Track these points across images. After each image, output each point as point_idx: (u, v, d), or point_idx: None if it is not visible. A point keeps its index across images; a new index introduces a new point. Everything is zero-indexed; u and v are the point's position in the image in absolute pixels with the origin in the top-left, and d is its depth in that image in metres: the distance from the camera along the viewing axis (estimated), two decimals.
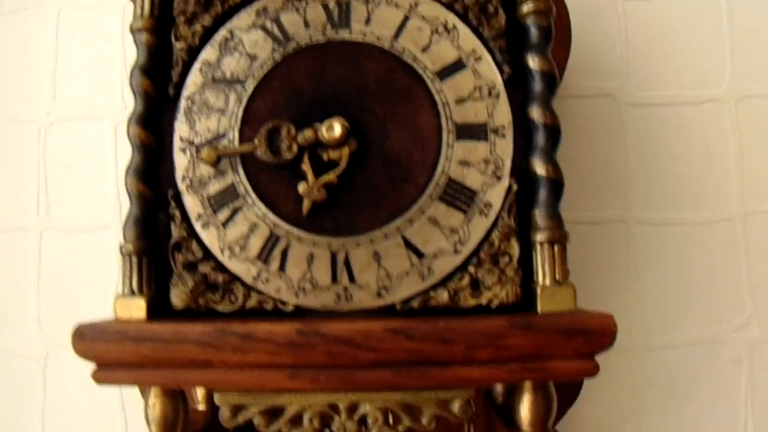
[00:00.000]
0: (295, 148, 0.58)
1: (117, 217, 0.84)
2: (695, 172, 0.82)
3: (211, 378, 0.56)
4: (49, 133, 0.86)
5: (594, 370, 0.55)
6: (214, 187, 0.60)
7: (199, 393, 0.69)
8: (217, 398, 0.58)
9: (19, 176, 0.86)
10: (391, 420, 0.58)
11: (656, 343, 0.81)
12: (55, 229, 0.85)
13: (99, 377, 0.57)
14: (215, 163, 0.58)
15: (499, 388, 0.69)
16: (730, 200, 0.82)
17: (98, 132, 0.85)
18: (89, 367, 0.84)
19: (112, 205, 0.85)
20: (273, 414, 0.58)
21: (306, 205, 0.58)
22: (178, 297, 0.58)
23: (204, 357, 0.55)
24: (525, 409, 0.58)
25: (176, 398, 0.59)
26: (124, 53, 0.85)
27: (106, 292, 0.77)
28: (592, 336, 0.54)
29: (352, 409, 0.57)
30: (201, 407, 0.69)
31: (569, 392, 0.72)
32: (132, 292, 0.58)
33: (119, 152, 0.85)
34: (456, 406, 0.57)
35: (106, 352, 0.56)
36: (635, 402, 0.81)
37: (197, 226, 0.59)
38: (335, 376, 0.54)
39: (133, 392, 0.81)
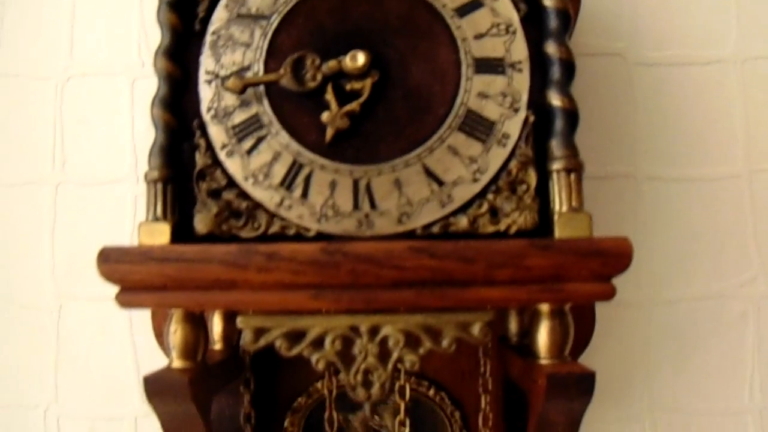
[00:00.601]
0: (319, 77, 0.60)
1: (132, 172, 0.85)
2: (702, 130, 0.84)
3: (234, 299, 0.56)
4: (66, 88, 0.87)
5: (611, 293, 0.56)
6: (239, 117, 0.61)
7: (216, 331, 0.69)
8: (240, 321, 0.59)
9: (35, 131, 0.87)
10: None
11: (664, 298, 0.83)
12: (71, 183, 0.86)
13: (123, 300, 0.57)
14: (241, 91, 0.59)
15: (513, 328, 0.70)
16: (737, 158, 0.84)
17: (115, 87, 0.87)
18: (102, 319, 0.86)
19: (128, 159, 0.86)
20: (295, 337, 0.58)
21: (329, 133, 0.59)
22: (201, 222, 0.59)
23: (228, 276, 0.55)
24: (542, 336, 0.59)
25: (198, 324, 0.60)
26: (141, 9, 0.87)
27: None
28: (609, 257, 0.55)
29: (374, 331, 0.58)
30: (217, 346, 0.70)
31: (581, 334, 0.73)
32: (156, 219, 0.59)
33: (135, 107, 0.86)
34: (476, 329, 0.58)
35: (131, 273, 0.56)
36: (643, 355, 0.82)
37: (221, 155, 0.60)
38: (358, 296, 0.55)
39: (147, 345, 0.81)
